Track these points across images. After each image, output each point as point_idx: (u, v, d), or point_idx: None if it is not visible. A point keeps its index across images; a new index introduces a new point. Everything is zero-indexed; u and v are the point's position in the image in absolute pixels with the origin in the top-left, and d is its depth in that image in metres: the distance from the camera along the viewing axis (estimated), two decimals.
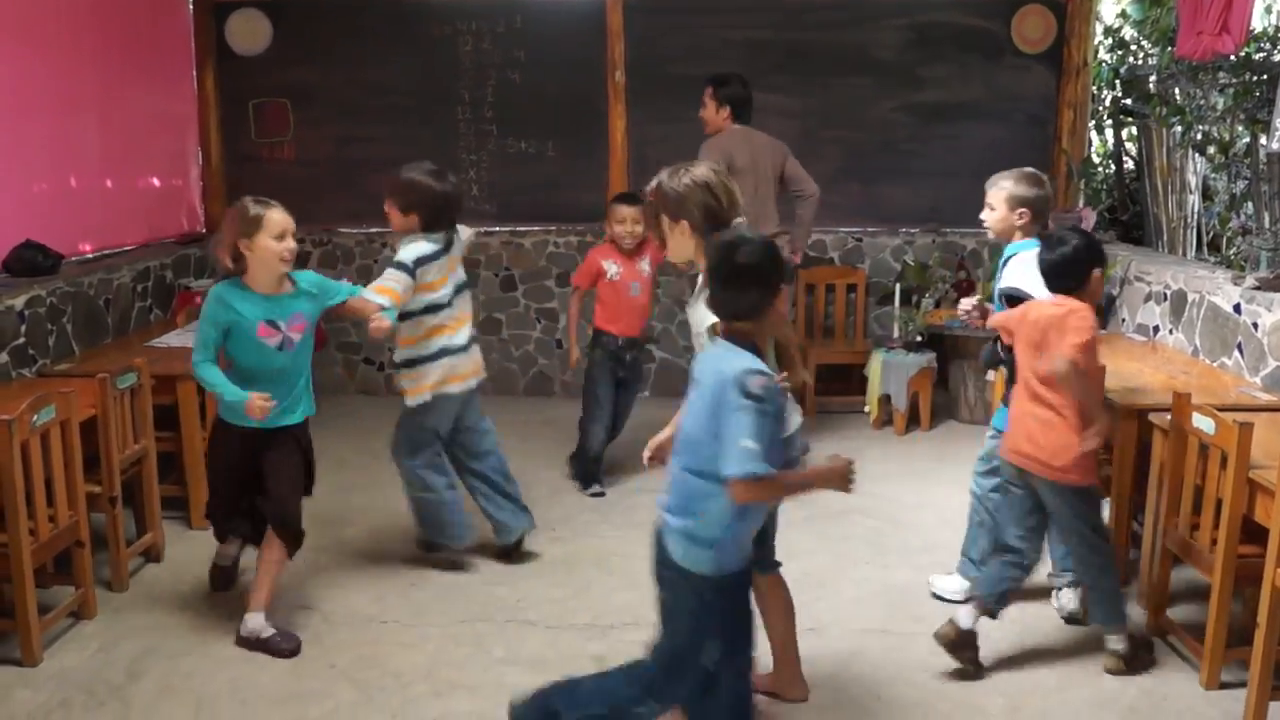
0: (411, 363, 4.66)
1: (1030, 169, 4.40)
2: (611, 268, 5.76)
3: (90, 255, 6.42)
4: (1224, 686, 3.84)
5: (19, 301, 5.26)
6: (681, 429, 3.00)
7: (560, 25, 7.79)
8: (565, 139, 7.83)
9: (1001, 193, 4.30)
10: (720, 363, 2.85)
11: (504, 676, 3.89)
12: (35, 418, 3.94)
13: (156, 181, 7.22)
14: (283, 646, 4.12)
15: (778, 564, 3.65)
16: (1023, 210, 4.25)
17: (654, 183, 3.40)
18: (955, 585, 4.58)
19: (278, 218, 4.01)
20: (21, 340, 5.27)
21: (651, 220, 3.39)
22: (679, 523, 2.93)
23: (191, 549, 5.05)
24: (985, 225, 4.40)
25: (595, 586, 4.67)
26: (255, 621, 4.15)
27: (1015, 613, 4.37)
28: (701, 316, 3.17)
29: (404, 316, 4.58)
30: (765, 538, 3.50)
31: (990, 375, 6.17)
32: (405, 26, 7.76)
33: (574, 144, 7.84)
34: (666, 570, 3.00)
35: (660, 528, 3.01)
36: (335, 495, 5.76)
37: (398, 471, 4.82)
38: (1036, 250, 4.02)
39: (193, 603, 4.56)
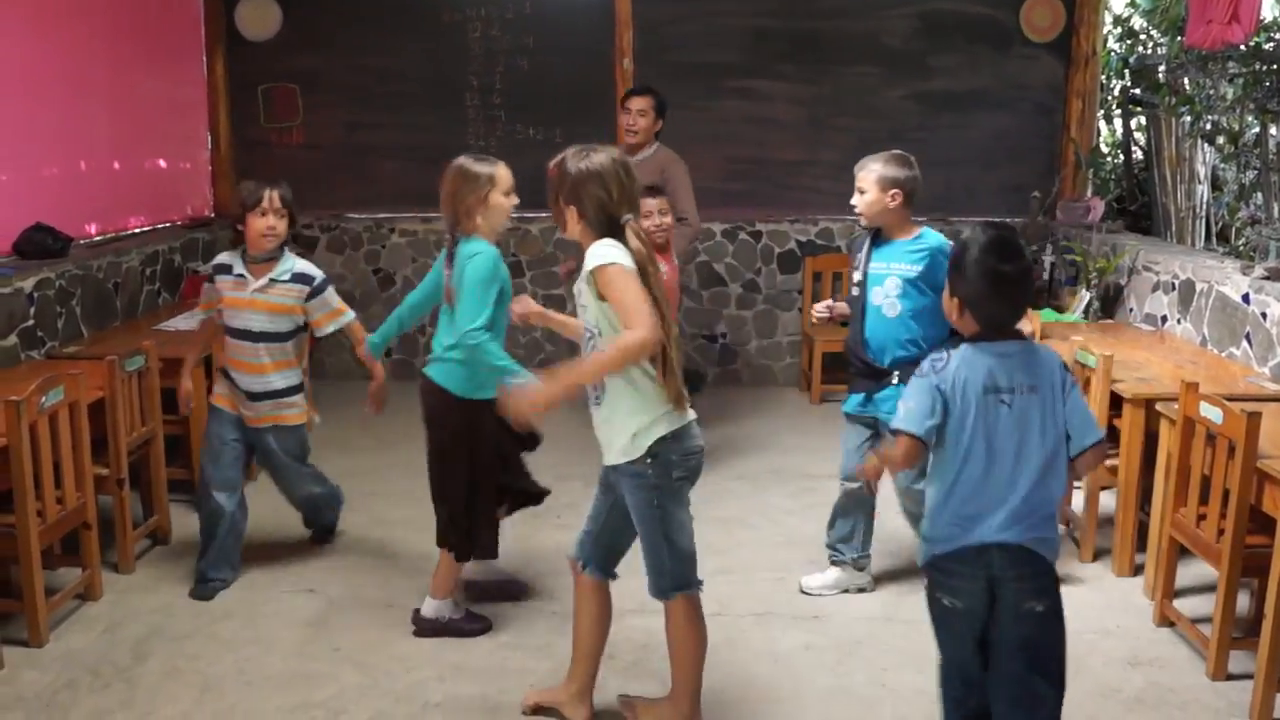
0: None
1: (900, 151, 4.31)
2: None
3: (99, 238, 6.45)
4: (1230, 678, 3.85)
5: (28, 284, 5.29)
6: None
7: (569, 12, 7.82)
8: (573, 126, 7.78)
9: (871, 175, 4.23)
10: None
11: (508, 661, 3.93)
12: (44, 399, 3.98)
13: (165, 165, 7.25)
14: (471, 627, 4.18)
15: (614, 574, 3.53)
16: (895, 191, 4.19)
17: (559, 158, 3.27)
18: (829, 580, 4.57)
19: (505, 174, 3.99)
20: (30, 322, 5.30)
21: (550, 196, 3.27)
22: None
23: (197, 532, 5.02)
24: (856, 210, 4.33)
25: None
26: (441, 607, 4.17)
27: None
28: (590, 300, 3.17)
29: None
30: (615, 543, 3.47)
31: None
32: (414, 13, 7.79)
33: (582, 131, 7.66)
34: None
35: None
36: (341, 480, 5.76)
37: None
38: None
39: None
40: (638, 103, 6.09)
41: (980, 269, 2.81)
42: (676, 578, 3.29)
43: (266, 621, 4.23)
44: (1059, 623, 2.85)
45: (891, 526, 5.23)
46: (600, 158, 3.17)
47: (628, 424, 3.17)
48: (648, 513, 3.22)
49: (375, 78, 7.86)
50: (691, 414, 3.25)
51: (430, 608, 4.15)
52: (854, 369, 4.41)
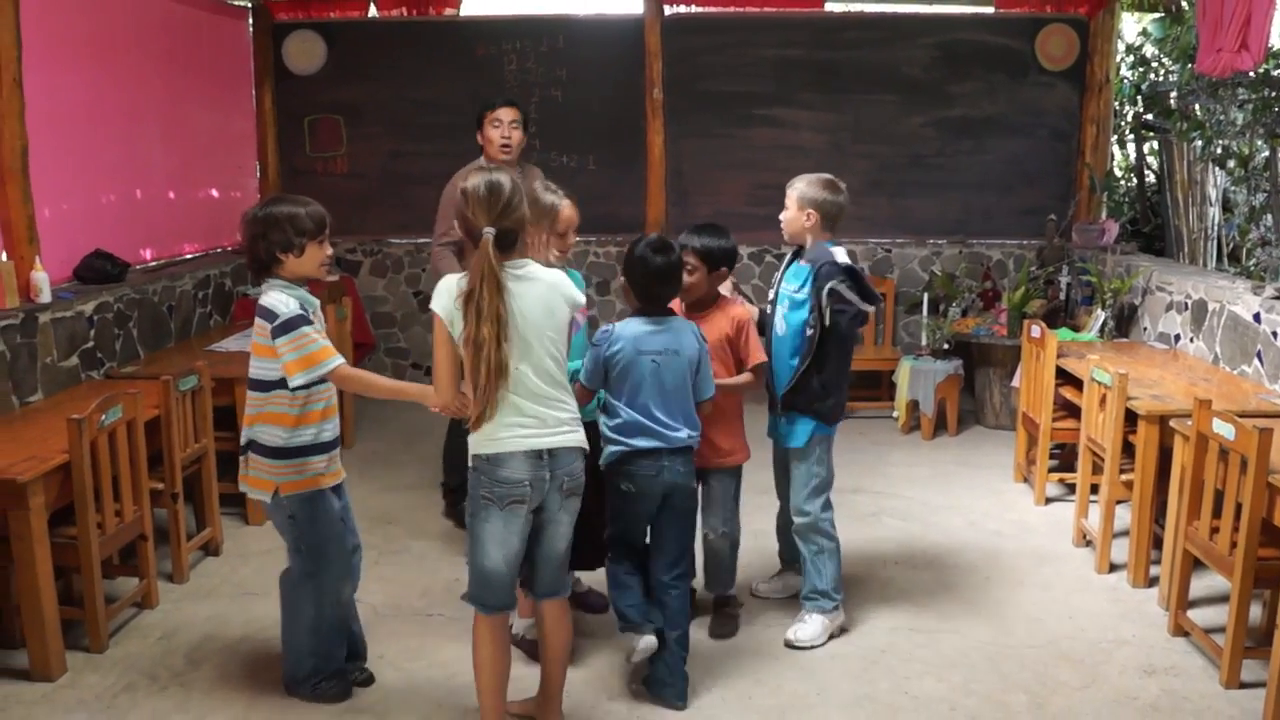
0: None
1: (829, 176, 4.32)
2: None
3: (154, 264, 6.61)
4: (1244, 686, 3.89)
5: (89, 307, 5.48)
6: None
7: (601, 44, 8.01)
8: (605, 153, 8.05)
9: (794, 193, 4.29)
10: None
11: (537, 670, 3.94)
12: (103, 417, 4.10)
13: (216, 193, 7.42)
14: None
15: (555, 591, 3.53)
16: (811, 212, 4.22)
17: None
18: (815, 630, 4.33)
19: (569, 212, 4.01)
20: (91, 344, 5.49)
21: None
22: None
23: (248, 543, 5.25)
24: (781, 223, 4.36)
25: None
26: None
27: (1038, 612, 4.54)
28: None
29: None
30: (542, 564, 3.48)
31: (1016, 381, 6.32)
32: (453, 46, 8.00)
33: (614, 158, 8.05)
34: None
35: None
36: (383, 494, 5.97)
37: None
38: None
39: (249, 595, 4.70)
40: (510, 113, 5.36)
41: (638, 261, 3.79)
42: (471, 589, 3.39)
43: None
44: (694, 485, 3.99)
45: (916, 542, 5.38)
46: (474, 179, 3.23)
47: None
48: (466, 520, 3.39)
49: (415, 109, 8.05)
50: (523, 445, 3.25)
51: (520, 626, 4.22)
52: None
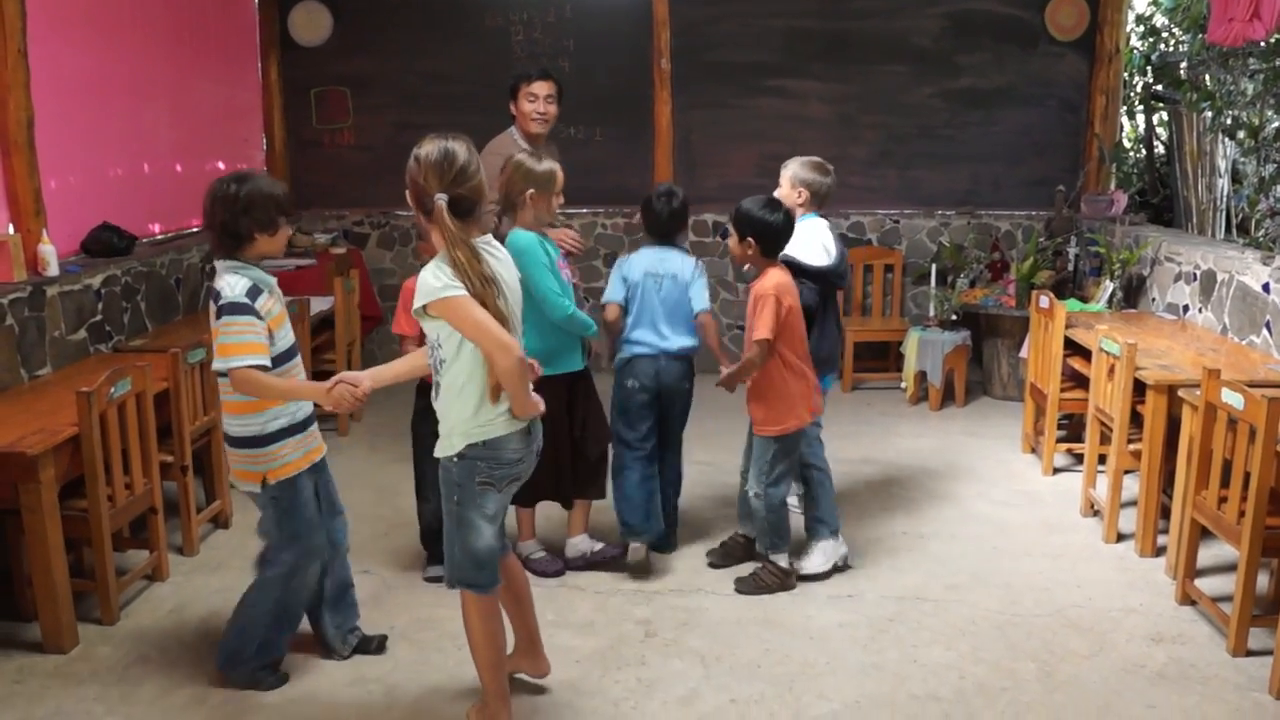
0: None
1: (819, 159, 4.92)
2: None
3: (161, 236, 6.62)
4: (1250, 654, 3.92)
5: (96, 281, 5.48)
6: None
7: (608, 15, 7.99)
8: (613, 125, 8.04)
9: (787, 172, 4.86)
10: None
11: (554, 638, 4.01)
12: (112, 390, 4.11)
13: (223, 165, 7.40)
14: (613, 552, 4.74)
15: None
16: (801, 190, 4.81)
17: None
18: (818, 560, 4.67)
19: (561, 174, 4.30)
20: (99, 317, 5.50)
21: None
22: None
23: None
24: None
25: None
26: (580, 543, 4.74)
27: (1046, 581, 4.57)
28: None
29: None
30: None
31: (1024, 352, 6.32)
32: (460, 17, 7.98)
33: (621, 129, 8.04)
34: None
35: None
36: (394, 466, 5.99)
37: None
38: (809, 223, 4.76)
39: None
40: (545, 87, 5.33)
41: (647, 203, 4.75)
42: (462, 573, 3.35)
43: None
44: (687, 387, 4.78)
45: (924, 512, 5.40)
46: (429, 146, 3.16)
47: (450, 424, 3.23)
48: (447, 506, 3.32)
49: (422, 80, 8.05)
50: (517, 424, 3.24)
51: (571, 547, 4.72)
52: None
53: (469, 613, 3.37)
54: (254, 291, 3.47)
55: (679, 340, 4.67)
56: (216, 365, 3.45)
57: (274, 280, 3.62)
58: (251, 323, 3.44)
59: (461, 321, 3.06)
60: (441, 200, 3.05)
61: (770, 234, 4.25)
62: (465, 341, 3.12)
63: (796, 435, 4.40)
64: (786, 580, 4.50)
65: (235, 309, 3.43)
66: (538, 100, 5.29)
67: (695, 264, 4.72)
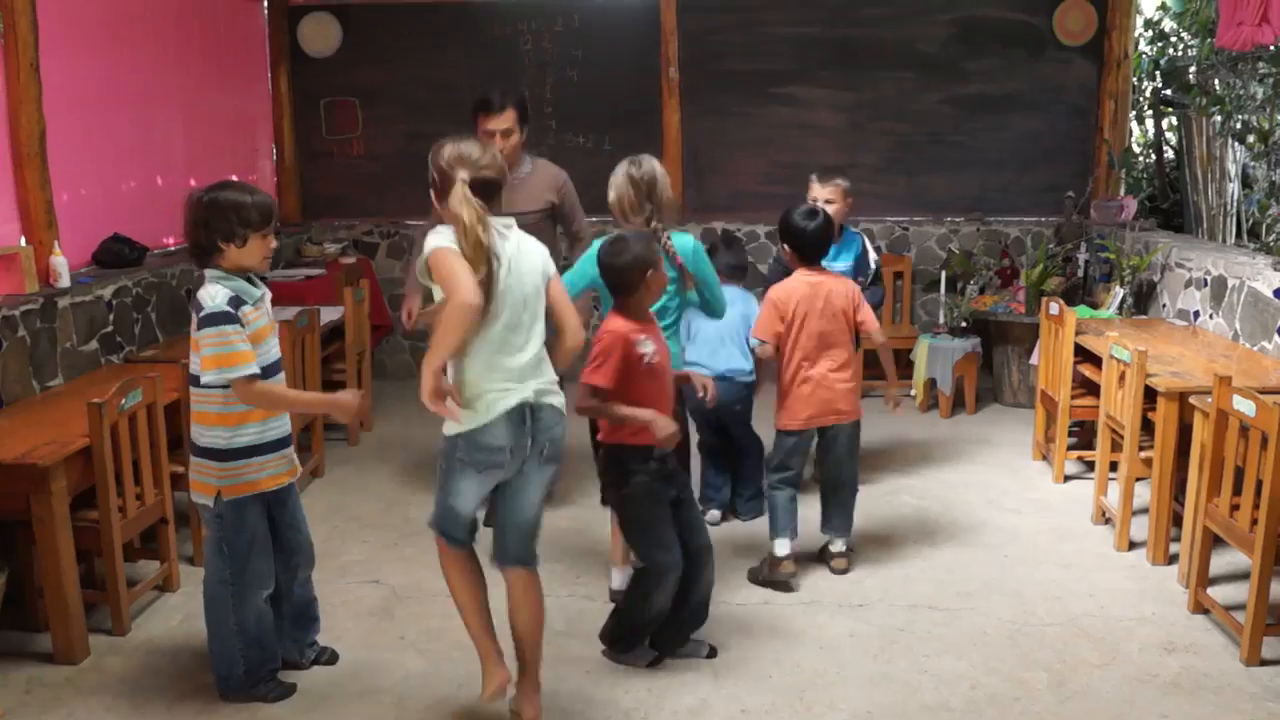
0: None
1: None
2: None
3: (172, 248, 6.63)
4: (1264, 663, 3.90)
5: (107, 292, 5.51)
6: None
7: (616, 24, 8.00)
8: (621, 133, 8.02)
9: (841, 186, 5.29)
10: None
11: (565, 649, 4.01)
12: (123, 401, 4.11)
13: (234, 178, 7.29)
14: None
15: (522, 561, 3.54)
16: (850, 200, 5.36)
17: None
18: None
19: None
20: (110, 328, 5.52)
21: None
22: None
23: None
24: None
25: None
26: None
27: (1057, 590, 4.55)
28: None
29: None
30: (510, 530, 3.54)
31: (1034, 359, 6.31)
32: (468, 27, 8.00)
33: (629, 138, 7.94)
34: None
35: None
36: (402, 475, 6.01)
37: None
38: None
39: None
40: (501, 122, 4.99)
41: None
42: (436, 519, 3.53)
43: (335, 612, 4.28)
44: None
45: (935, 520, 5.39)
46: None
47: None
48: (437, 464, 3.48)
49: (431, 90, 8.05)
50: (490, 414, 3.29)
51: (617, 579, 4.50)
52: None
53: (441, 562, 3.58)
54: (235, 301, 3.46)
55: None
56: (218, 376, 3.41)
57: (262, 293, 3.60)
58: (236, 331, 3.43)
59: (439, 270, 3.17)
60: (464, 177, 3.21)
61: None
62: None
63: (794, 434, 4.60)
64: (772, 570, 4.60)
65: (217, 319, 3.41)
66: (494, 136, 4.97)
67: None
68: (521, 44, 7.99)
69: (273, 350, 3.61)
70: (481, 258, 3.18)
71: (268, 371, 3.54)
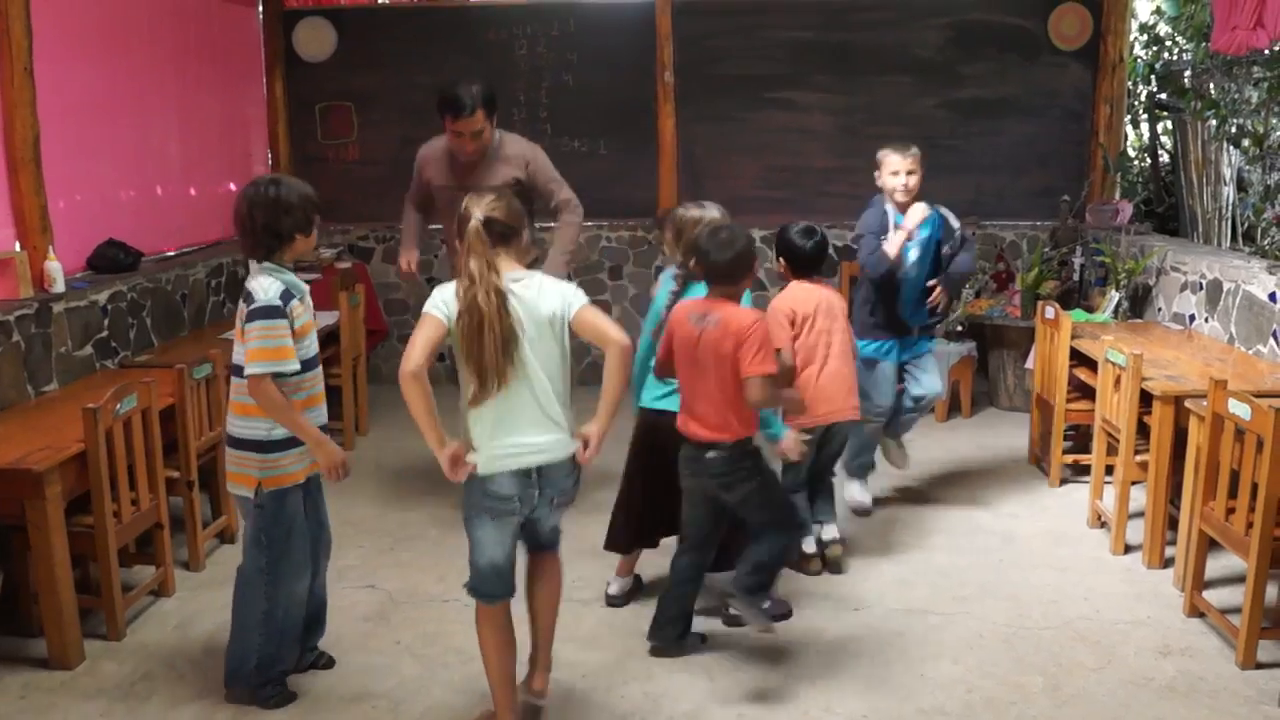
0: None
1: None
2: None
3: (169, 253, 6.63)
4: (1260, 666, 3.91)
5: (102, 297, 5.51)
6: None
7: (611, 28, 8.00)
8: (617, 138, 8.03)
9: (917, 157, 5.25)
10: None
11: (560, 653, 3.94)
12: (118, 406, 4.11)
13: (232, 185, 7.42)
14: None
15: (549, 545, 3.62)
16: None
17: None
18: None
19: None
20: (105, 333, 5.52)
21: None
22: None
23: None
24: (906, 188, 5.20)
25: (647, 569, 4.68)
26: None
27: (1053, 594, 4.55)
28: None
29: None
30: (538, 534, 3.57)
31: (1030, 363, 6.31)
32: (463, 31, 7.99)
33: (625, 143, 8.04)
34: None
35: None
36: (399, 479, 6.01)
37: None
38: None
39: None
40: (469, 124, 4.96)
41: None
42: (472, 582, 3.45)
43: (330, 616, 4.18)
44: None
45: (930, 524, 5.39)
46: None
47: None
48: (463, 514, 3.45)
49: (426, 94, 7.77)
50: (496, 469, 3.28)
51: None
52: (889, 325, 5.25)
53: (478, 622, 3.47)
54: (286, 296, 3.48)
55: None
56: (265, 368, 3.41)
57: (307, 288, 3.64)
58: (284, 326, 3.45)
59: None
60: (478, 218, 3.19)
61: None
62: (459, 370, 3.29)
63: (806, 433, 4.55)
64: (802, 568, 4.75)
65: (269, 313, 3.44)
66: (463, 137, 5.01)
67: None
68: (517, 48, 7.98)
69: (313, 345, 3.64)
70: (464, 322, 3.16)
71: (307, 365, 3.57)
